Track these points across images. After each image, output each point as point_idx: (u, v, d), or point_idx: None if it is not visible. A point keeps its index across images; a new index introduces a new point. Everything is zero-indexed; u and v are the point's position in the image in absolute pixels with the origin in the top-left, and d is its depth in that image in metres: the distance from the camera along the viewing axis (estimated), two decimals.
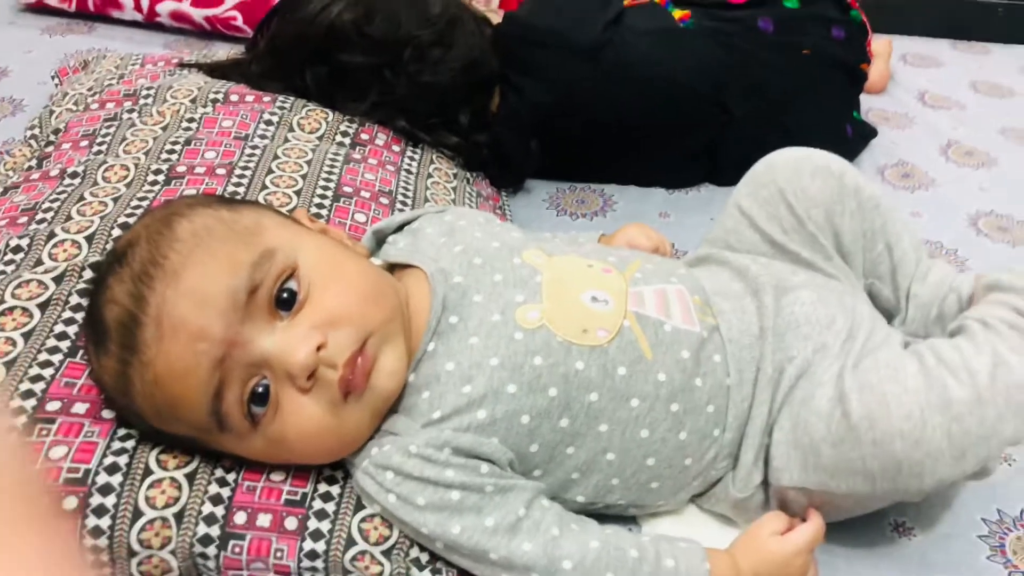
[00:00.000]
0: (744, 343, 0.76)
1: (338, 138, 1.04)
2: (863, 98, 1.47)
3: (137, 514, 0.65)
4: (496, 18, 1.22)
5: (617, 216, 1.24)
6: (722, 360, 0.75)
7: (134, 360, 0.63)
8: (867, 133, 1.42)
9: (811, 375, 0.73)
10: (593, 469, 0.72)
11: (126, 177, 0.91)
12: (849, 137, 1.37)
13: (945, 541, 0.78)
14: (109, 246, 0.79)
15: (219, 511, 0.67)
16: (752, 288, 0.80)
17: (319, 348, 0.63)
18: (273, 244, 0.66)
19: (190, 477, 0.68)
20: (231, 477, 0.69)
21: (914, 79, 1.69)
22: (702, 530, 0.76)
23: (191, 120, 1.02)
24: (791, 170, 0.85)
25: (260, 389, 0.64)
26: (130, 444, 0.68)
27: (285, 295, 0.65)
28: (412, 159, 1.08)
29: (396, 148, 1.08)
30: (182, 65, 1.18)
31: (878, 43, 1.63)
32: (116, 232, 0.82)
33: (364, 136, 1.06)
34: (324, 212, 0.91)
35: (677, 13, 1.29)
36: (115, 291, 0.64)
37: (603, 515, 0.75)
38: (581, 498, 0.74)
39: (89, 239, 0.82)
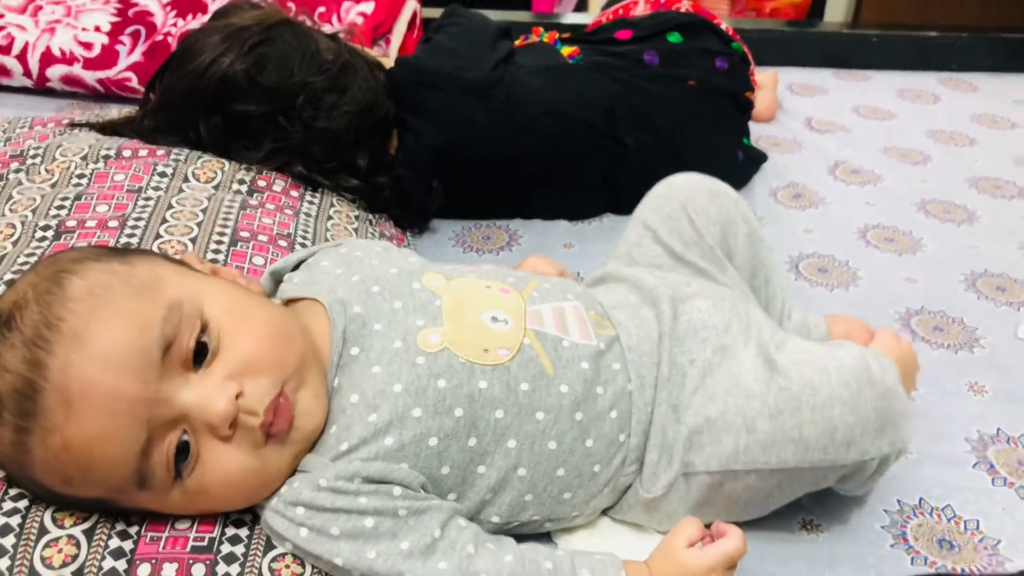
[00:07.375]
0: (644, 350, 0.78)
1: (234, 186, 1.04)
2: (753, 127, 1.54)
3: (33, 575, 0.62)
4: (389, 63, 1.23)
5: (523, 250, 1.26)
6: (622, 367, 0.76)
7: (35, 428, 0.60)
8: (757, 157, 1.48)
9: (723, 368, 0.76)
10: (506, 487, 0.73)
11: (12, 235, 0.89)
12: (740, 162, 1.42)
13: (851, 533, 0.81)
14: None
15: (121, 565, 0.64)
16: (649, 299, 0.82)
17: (237, 396, 0.63)
18: (177, 296, 0.65)
19: (88, 533, 0.65)
20: (133, 530, 0.66)
21: (800, 106, 1.77)
22: (616, 540, 0.77)
23: (81, 176, 1.00)
24: (690, 190, 0.93)
25: (182, 443, 0.64)
26: (23, 504, 0.65)
27: (199, 348, 0.64)
28: (311, 203, 1.08)
29: (295, 193, 1.08)
30: (73, 125, 1.16)
31: (764, 75, 1.71)
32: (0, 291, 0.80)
33: (261, 183, 1.06)
34: (220, 257, 0.90)
35: (566, 50, 1.33)
36: (5, 359, 0.61)
37: (519, 534, 0.75)
38: (496, 518, 0.74)
39: None
